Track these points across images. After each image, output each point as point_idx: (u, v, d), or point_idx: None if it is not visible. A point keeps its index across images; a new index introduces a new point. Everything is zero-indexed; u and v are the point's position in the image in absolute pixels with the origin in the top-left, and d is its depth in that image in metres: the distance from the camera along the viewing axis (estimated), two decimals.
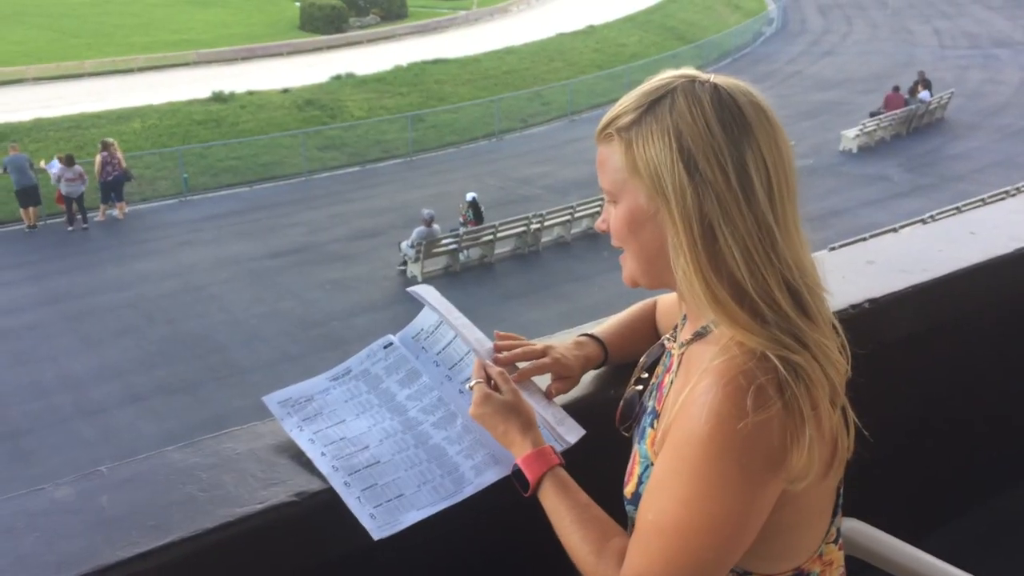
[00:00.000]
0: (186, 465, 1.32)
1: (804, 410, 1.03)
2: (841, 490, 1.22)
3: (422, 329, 1.46)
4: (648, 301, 1.55)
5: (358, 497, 1.24)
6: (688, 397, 1.07)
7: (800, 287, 1.10)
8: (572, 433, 1.34)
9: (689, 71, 1.15)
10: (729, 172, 1.07)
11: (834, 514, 1.22)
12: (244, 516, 1.21)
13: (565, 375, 1.43)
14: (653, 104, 1.12)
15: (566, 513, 1.20)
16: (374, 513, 1.23)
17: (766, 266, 1.07)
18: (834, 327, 1.14)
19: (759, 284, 1.07)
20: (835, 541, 1.23)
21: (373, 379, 1.42)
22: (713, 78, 1.13)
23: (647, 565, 1.09)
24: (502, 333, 1.43)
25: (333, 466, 1.27)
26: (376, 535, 1.21)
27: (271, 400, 1.37)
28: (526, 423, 1.27)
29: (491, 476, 1.30)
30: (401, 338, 1.46)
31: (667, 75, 1.15)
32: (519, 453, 1.25)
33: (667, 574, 1.08)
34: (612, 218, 1.18)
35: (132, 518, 1.20)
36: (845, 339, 1.15)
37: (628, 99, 1.15)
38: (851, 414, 1.13)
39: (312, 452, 1.30)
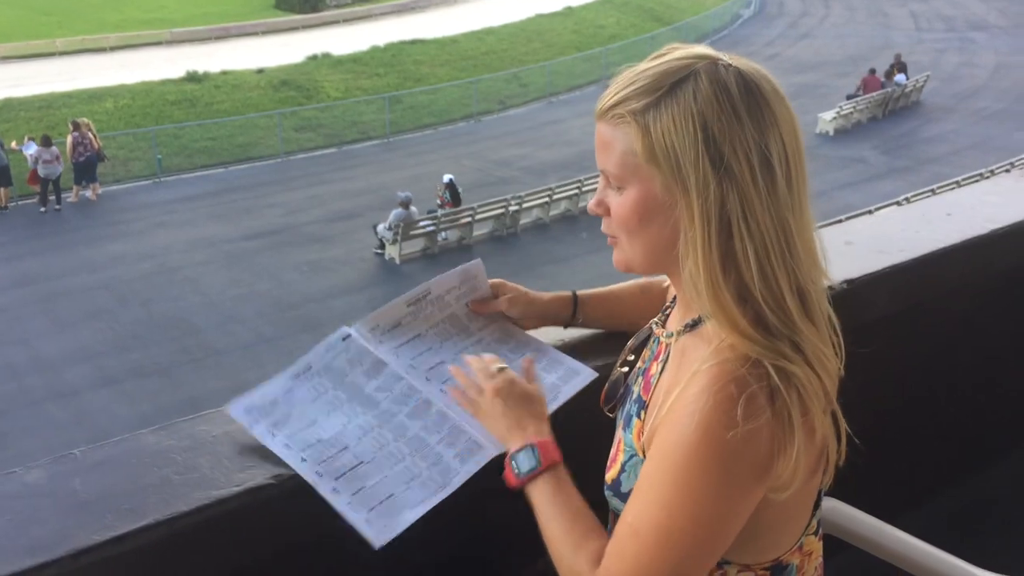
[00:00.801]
0: (161, 448, 1.30)
1: (794, 418, 1.01)
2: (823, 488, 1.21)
3: (378, 324, 1.44)
4: (652, 280, 1.51)
5: (349, 503, 1.21)
6: (678, 401, 1.04)
7: (808, 287, 1.07)
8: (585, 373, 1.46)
9: (705, 50, 1.08)
10: (755, 165, 1.02)
11: (815, 507, 1.21)
12: (220, 499, 1.20)
13: (521, 300, 1.49)
14: (674, 86, 1.04)
15: (558, 505, 1.17)
16: (369, 519, 1.20)
17: (779, 267, 1.04)
18: (831, 322, 1.11)
19: (768, 288, 1.03)
20: (815, 532, 1.23)
21: (337, 374, 1.38)
22: (733, 61, 1.07)
23: (622, 568, 1.07)
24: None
25: (317, 472, 1.24)
26: (377, 543, 1.18)
27: (235, 409, 1.32)
28: (542, 414, 1.27)
29: (478, 461, 1.29)
30: (357, 329, 1.43)
31: (683, 53, 1.08)
32: (535, 439, 1.22)
33: None
34: (617, 204, 1.11)
35: (106, 501, 1.18)
36: (841, 339, 1.13)
37: (640, 78, 1.06)
38: (842, 421, 1.12)
39: (291, 458, 1.26)
